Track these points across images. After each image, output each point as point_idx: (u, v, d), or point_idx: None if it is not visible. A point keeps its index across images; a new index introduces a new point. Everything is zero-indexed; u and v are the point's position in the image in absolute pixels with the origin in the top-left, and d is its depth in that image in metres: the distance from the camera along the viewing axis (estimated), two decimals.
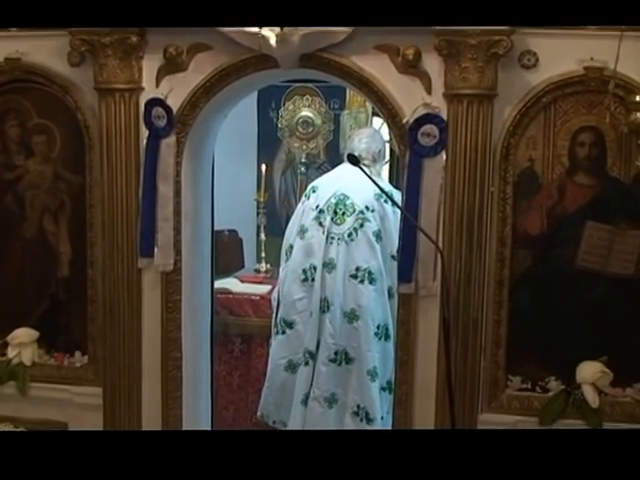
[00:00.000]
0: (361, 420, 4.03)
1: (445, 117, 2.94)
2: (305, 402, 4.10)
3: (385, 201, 4.05)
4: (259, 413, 4.38)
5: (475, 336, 3.02)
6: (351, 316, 4.03)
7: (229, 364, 4.61)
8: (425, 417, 3.09)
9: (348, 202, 4.11)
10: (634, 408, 3.04)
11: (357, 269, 4.03)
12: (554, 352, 3.05)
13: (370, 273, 4.03)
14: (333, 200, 4.14)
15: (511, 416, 3.07)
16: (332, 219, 4.10)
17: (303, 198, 4.38)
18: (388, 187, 4.04)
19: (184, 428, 3.35)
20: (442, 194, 2.99)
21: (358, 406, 4.03)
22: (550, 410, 3.04)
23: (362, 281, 4.03)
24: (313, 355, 4.08)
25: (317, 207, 4.17)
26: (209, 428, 3.65)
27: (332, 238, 4.09)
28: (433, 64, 2.93)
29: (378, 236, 4.07)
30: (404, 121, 2.98)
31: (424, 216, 3.00)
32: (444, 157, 2.97)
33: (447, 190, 2.98)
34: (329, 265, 4.07)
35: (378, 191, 3.99)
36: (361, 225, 4.06)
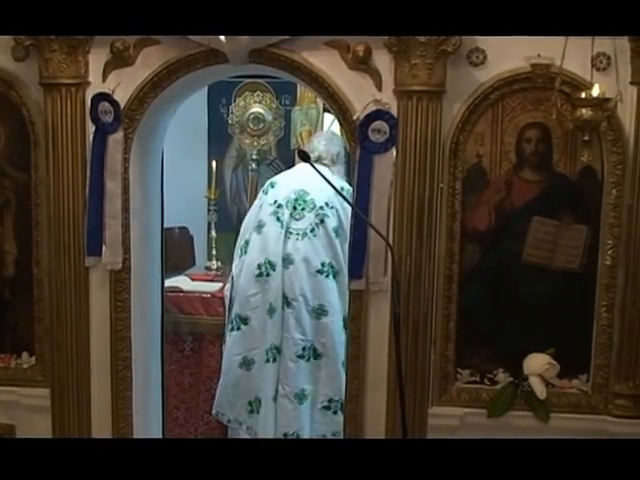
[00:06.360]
0: (334, 413, 4.03)
1: (395, 113, 2.96)
2: (275, 399, 4.09)
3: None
4: (214, 412, 4.35)
5: (425, 330, 3.05)
6: (319, 312, 4.04)
7: (180, 363, 4.56)
8: (376, 411, 3.11)
9: (308, 198, 4.13)
10: (580, 399, 3.10)
11: (322, 264, 4.05)
12: (502, 345, 3.09)
13: (333, 267, 4.06)
14: (293, 196, 4.15)
15: (460, 408, 3.11)
16: (291, 214, 4.12)
17: (260, 194, 4.37)
18: (347, 185, 4.06)
19: (134, 428, 3.31)
20: (392, 190, 3.01)
21: (330, 400, 4.05)
22: (498, 402, 3.09)
23: (327, 276, 4.06)
24: (280, 351, 4.08)
25: (275, 202, 4.18)
26: (160, 428, 3.62)
27: (290, 233, 4.10)
28: (383, 61, 2.95)
29: (337, 232, 4.09)
30: (354, 117, 2.99)
31: (375, 212, 3.01)
32: (394, 153, 2.98)
33: (397, 186, 2.99)
34: (287, 260, 4.07)
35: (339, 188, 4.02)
36: (321, 221, 4.09)
